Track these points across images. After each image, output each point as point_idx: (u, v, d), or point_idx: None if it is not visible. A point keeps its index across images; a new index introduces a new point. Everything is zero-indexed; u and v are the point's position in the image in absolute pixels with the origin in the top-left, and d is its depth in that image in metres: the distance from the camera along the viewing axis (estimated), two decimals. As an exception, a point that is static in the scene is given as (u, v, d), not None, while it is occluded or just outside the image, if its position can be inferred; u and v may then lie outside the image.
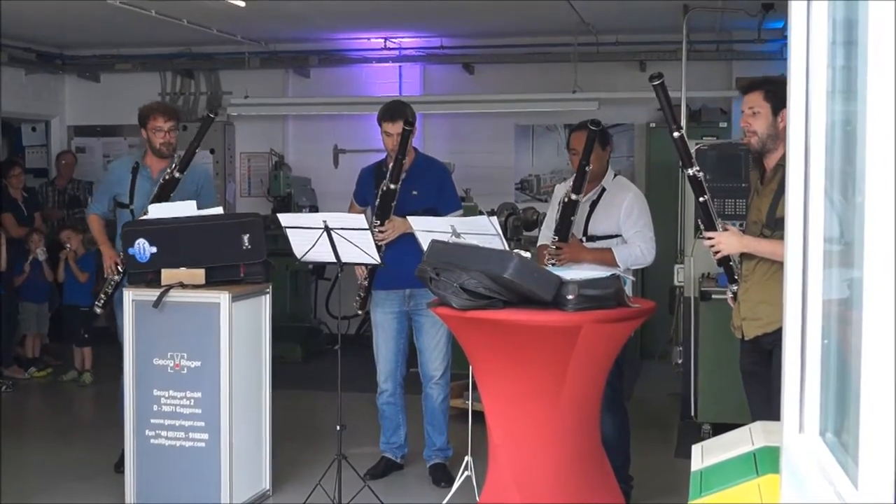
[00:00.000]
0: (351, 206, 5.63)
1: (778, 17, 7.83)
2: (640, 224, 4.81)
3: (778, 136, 3.91)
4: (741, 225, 4.42)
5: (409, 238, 4.98)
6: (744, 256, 4.05)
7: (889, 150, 1.44)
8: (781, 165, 3.88)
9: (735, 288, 4.11)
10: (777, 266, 3.76)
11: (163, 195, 5.31)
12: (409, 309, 5.45)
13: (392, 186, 5.12)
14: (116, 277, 5.47)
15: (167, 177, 5.35)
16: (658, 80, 4.09)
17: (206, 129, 5.38)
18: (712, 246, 3.99)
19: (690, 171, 4.04)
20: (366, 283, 5.31)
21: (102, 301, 5.60)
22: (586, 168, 4.64)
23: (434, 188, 5.40)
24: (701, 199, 4.03)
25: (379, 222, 5.14)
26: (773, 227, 3.86)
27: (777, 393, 3.61)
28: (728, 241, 3.95)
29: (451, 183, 5.64)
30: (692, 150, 6.21)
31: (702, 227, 4.13)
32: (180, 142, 5.68)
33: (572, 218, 4.70)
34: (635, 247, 4.77)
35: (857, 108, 1.64)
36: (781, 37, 8.32)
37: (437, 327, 5.36)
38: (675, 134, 4.04)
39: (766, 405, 3.81)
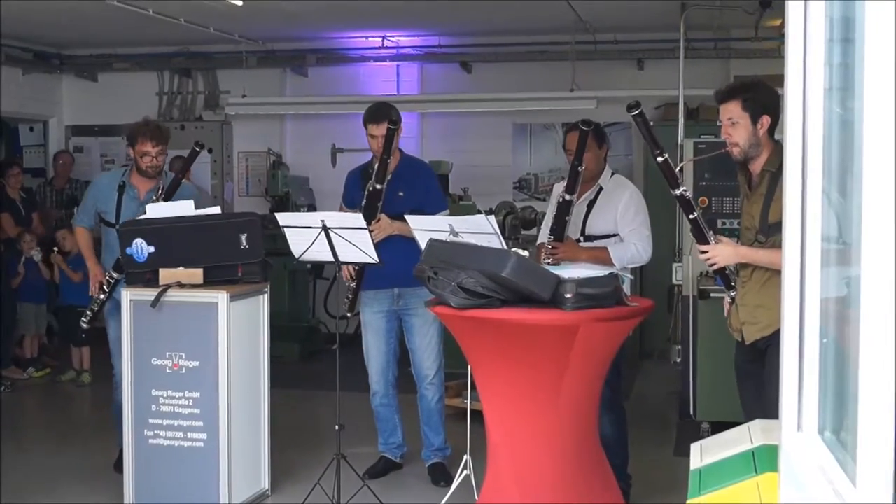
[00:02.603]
0: (340, 210, 5.62)
1: (776, 15, 7.83)
2: (637, 222, 4.79)
3: (760, 142, 3.86)
4: (738, 223, 4.41)
5: (397, 238, 5.04)
6: (740, 263, 4.04)
7: (887, 147, 1.44)
8: (767, 171, 3.84)
9: (733, 294, 4.10)
10: (773, 271, 3.74)
11: None
12: (399, 308, 5.46)
13: (378, 186, 5.12)
14: (102, 297, 5.44)
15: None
16: (636, 110, 4.08)
17: (191, 160, 5.50)
18: (708, 259, 3.98)
19: (677, 192, 4.01)
20: (353, 284, 5.29)
21: (89, 317, 5.56)
22: (579, 168, 4.64)
23: (420, 189, 5.41)
24: (690, 216, 4.00)
25: (366, 223, 5.13)
26: (767, 232, 3.83)
27: (769, 392, 3.61)
28: (723, 253, 3.93)
29: (437, 183, 5.65)
30: (691, 148, 6.27)
31: (695, 242, 4.12)
32: (177, 140, 5.68)
33: (567, 218, 4.69)
34: (631, 245, 4.76)
35: (854, 106, 1.64)
36: (779, 35, 8.31)
37: (427, 326, 5.37)
38: (659, 159, 4.02)
39: (757, 403, 3.81)
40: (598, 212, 4.85)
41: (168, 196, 5.36)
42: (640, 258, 4.81)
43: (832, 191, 1.90)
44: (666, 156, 4.02)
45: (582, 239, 4.82)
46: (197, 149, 5.43)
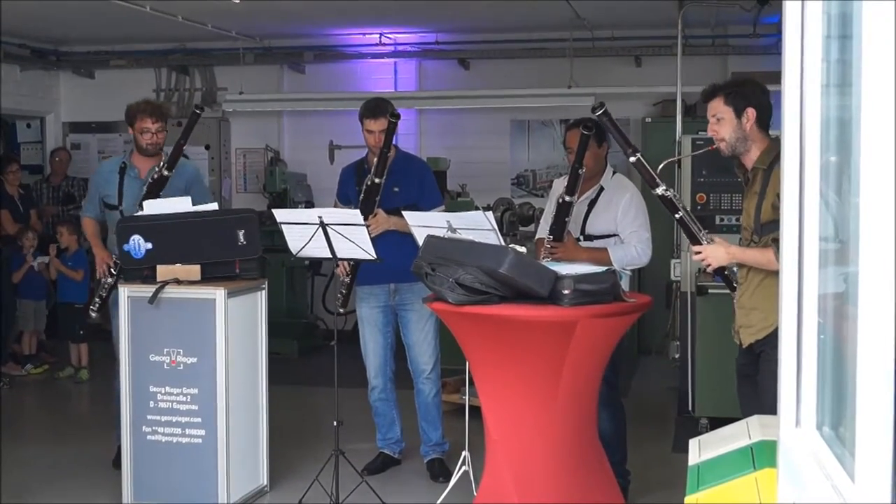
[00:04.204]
0: (334, 206, 5.61)
1: (773, 12, 7.83)
2: (637, 224, 4.79)
3: (747, 137, 3.83)
4: (737, 220, 4.40)
5: (393, 233, 5.07)
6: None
7: (886, 143, 1.44)
8: (758, 168, 3.83)
9: (738, 293, 4.09)
10: (767, 272, 3.73)
11: (152, 194, 5.25)
12: (395, 304, 5.46)
13: (377, 180, 5.12)
14: (110, 280, 5.40)
15: (156, 175, 5.33)
16: (601, 110, 4.08)
17: (192, 124, 5.37)
18: (701, 260, 3.97)
19: (658, 191, 4.00)
20: (348, 279, 5.29)
21: (97, 304, 5.52)
22: (579, 171, 4.63)
23: (415, 184, 5.41)
24: (677, 215, 3.98)
25: (363, 217, 5.12)
26: (760, 232, 3.82)
27: (764, 395, 3.60)
28: (715, 253, 3.89)
29: (432, 178, 5.64)
30: (689, 144, 6.26)
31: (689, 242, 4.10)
32: (173, 137, 5.64)
33: (566, 219, 4.68)
34: (631, 247, 4.77)
35: (851, 103, 1.64)
36: (777, 31, 8.31)
37: (423, 321, 5.38)
38: (632, 159, 4.00)
39: (753, 407, 3.79)
40: (598, 212, 4.84)
41: (171, 166, 5.31)
42: (640, 260, 4.81)
43: (829, 188, 1.90)
44: (639, 155, 4.01)
45: (582, 238, 4.82)
46: (197, 111, 5.39)
